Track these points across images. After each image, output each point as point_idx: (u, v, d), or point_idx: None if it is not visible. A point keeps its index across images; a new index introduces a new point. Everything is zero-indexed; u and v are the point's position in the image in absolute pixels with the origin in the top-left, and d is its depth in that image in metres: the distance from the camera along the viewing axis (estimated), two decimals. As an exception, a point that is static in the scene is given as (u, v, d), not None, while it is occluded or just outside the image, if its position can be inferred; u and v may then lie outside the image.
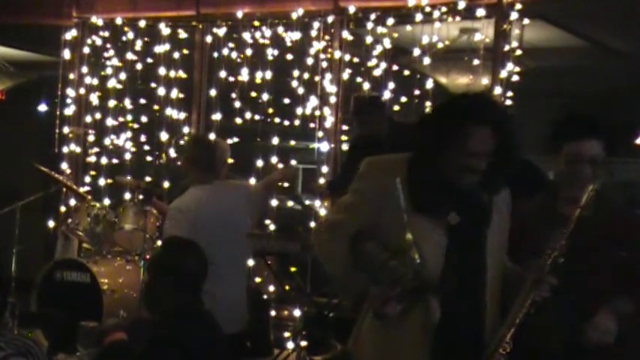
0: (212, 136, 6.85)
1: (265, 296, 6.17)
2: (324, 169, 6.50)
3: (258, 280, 6.28)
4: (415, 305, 2.53)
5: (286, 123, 6.77)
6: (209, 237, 4.07)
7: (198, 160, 4.57)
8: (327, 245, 2.67)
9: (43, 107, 8.01)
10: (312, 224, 6.15)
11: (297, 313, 6.02)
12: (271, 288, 6.29)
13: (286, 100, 6.69)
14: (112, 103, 7.23)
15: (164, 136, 6.94)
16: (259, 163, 6.64)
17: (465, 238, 2.58)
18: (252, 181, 6.55)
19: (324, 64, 6.51)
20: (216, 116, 6.88)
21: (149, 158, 7.10)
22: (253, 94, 6.70)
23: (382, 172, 2.63)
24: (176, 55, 7.03)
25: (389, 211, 2.54)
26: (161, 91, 7.02)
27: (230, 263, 4.44)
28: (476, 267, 2.61)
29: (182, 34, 7.09)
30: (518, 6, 5.87)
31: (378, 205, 2.58)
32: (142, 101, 7.28)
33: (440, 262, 2.54)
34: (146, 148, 7.15)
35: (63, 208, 7.27)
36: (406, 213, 2.46)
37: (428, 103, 6.10)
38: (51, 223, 7.17)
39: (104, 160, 7.22)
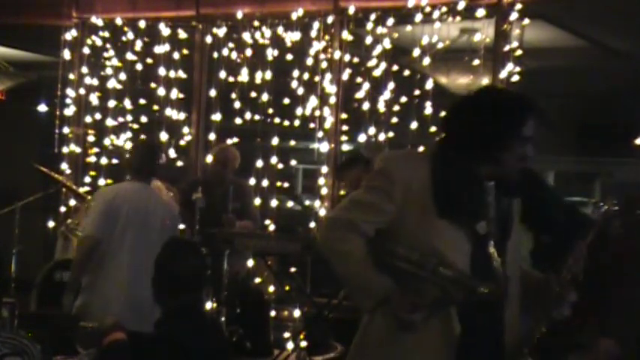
0: (212, 137, 6.87)
1: (265, 296, 6.17)
2: (324, 169, 6.50)
3: (258, 280, 6.28)
4: (434, 318, 2.44)
5: (286, 123, 6.76)
6: (123, 225, 4.62)
7: (133, 161, 5.01)
8: (340, 245, 2.48)
9: (42, 107, 8.01)
10: (312, 224, 6.15)
11: (297, 313, 6.01)
12: (271, 288, 6.29)
13: (286, 101, 6.69)
14: (111, 103, 7.23)
15: (164, 136, 6.93)
16: (259, 163, 6.64)
17: (488, 248, 2.49)
18: (252, 181, 6.57)
19: (324, 65, 6.50)
20: (216, 117, 6.88)
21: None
22: (253, 94, 6.70)
23: (406, 167, 2.51)
24: (176, 55, 7.03)
25: (415, 209, 2.45)
26: (161, 92, 7.01)
27: (142, 255, 4.58)
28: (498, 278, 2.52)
29: (182, 35, 7.09)
30: (519, 6, 5.87)
31: (405, 202, 2.46)
32: (142, 102, 7.28)
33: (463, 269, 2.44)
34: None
35: (63, 209, 7.27)
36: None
37: (428, 103, 6.10)
38: (51, 224, 7.17)
39: (104, 161, 7.22)
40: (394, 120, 6.29)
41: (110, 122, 7.25)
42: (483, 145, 2.47)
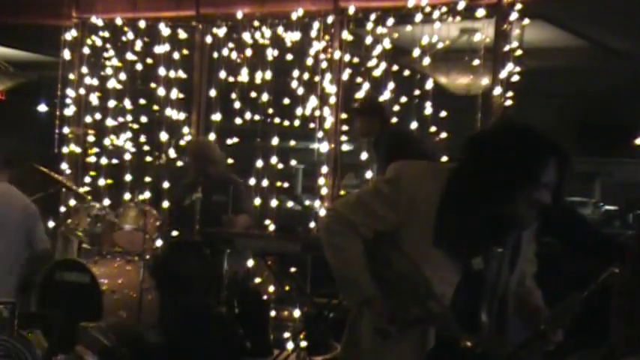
0: (212, 137, 6.87)
1: (265, 297, 6.17)
2: (324, 169, 6.50)
3: (258, 280, 6.28)
4: (414, 328, 2.45)
5: (286, 123, 6.76)
6: None
7: None
8: (337, 239, 2.51)
9: (42, 107, 8.02)
10: (312, 224, 6.15)
11: (297, 313, 6.01)
12: (271, 288, 6.29)
13: (286, 101, 6.68)
14: (111, 103, 7.23)
15: (164, 136, 6.94)
16: (259, 163, 6.64)
17: (481, 283, 2.46)
18: (252, 181, 6.57)
19: (324, 65, 6.50)
20: (216, 116, 6.88)
21: (149, 158, 7.10)
22: (253, 94, 6.70)
23: (417, 183, 2.47)
24: (176, 55, 7.03)
25: (415, 228, 2.44)
26: (161, 92, 7.01)
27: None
28: (492, 297, 2.50)
29: (182, 35, 7.09)
30: (518, 6, 5.87)
31: (408, 217, 2.44)
32: (142, 102, 7.28)
33: (447, 302, 2.43)
34: (146, 148, 7.16)
35: (63, 209, 7.28)
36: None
37: (428, 103, 6.10)
38: (51, 224, 7.16)
39: (104, 161, 7.22)
40: (394, 120, 6.29)
41: (110, 122, 7.25)
42: (496, 185, 2.39)
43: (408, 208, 2.45)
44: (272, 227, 6.38)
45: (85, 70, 7.41)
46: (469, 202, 2.41)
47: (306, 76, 6.52)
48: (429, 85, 6.19)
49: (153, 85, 7.07)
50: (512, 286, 2.58)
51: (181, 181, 6.66)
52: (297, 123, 6.60)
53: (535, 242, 2.73)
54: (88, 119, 7.38)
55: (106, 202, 6.87)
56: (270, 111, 6.70)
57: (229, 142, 6.85)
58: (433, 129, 6.01)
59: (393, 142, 5.52)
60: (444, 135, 6.00)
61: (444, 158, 5.44)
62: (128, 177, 7.10)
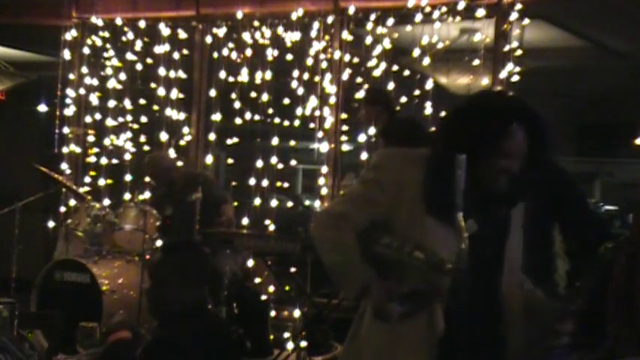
0: (212, 137, 6.87)
1: (265, 297, 6.17)
2: (324, 169, 6.50)
3: (258, 280, 6.28)
4: (419, 313, 2.43)
5: (286, 123, 6.76)
6: None
7: None
8: (331, 234, 2.49)
9: (43, 107, 8.01)
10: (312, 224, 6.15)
11: (297, 313, 6.01)
12: (271, 288, 6.29)
13: (286, 101, 6.69)
14: (111, 103, 7.24)
15: (164, 136, 6.94)
16: (259, 163, 6.64)
17: (479, 249, 2.41)
18: (252, 181, 6.57)
19: (324, 65, 6.51)
20: (216, 117, 6.89)
21: (149, 158, 7.09)
22: (253, 94, 6.71)
23: (401, 164, 2.51)
24: (176, 55, 7.03)
25: (406, 205, 2.44)
26: (161, 92, 7.02)
27: None
28: (488, 281, 2.50)
29: (182, 35, 7.09)
30: (519, 6, 5.88)
31: (397, 197, 2.46)
32: (142, 102, 7.28)
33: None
34: (146, 148, 7.16)
35: (63, 209, 7.27)
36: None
37: (428, 103, 6.11)
38: (51, 224, 7.17)
39: (104, 161, 7.22)
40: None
41: (110, 122, 7.25)
42: (462, 152, 2.36)
43: (396, 185, 2.47)
44: (272, 227, 6.38)
45: (85, 70, 7.41)
46: (443, 167, 2.39)
47: (306, 76, 6.52)
48: (429, 85, 6.19)
49: (153, 85, 7.07)
50: (509, 265, 2.56)
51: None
52: (297, 123, 6.60)
53: (562, 241, 2.73)
54: (88, 119, 7.39)
55: (106, 202, 6.88)
56: (270, 111, 6.71)
57: (229, 142, 6.85)
58: (433, 129, 6.00)
59: (405, 129, 5.48)
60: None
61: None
62: (128, 177, 7.10)
